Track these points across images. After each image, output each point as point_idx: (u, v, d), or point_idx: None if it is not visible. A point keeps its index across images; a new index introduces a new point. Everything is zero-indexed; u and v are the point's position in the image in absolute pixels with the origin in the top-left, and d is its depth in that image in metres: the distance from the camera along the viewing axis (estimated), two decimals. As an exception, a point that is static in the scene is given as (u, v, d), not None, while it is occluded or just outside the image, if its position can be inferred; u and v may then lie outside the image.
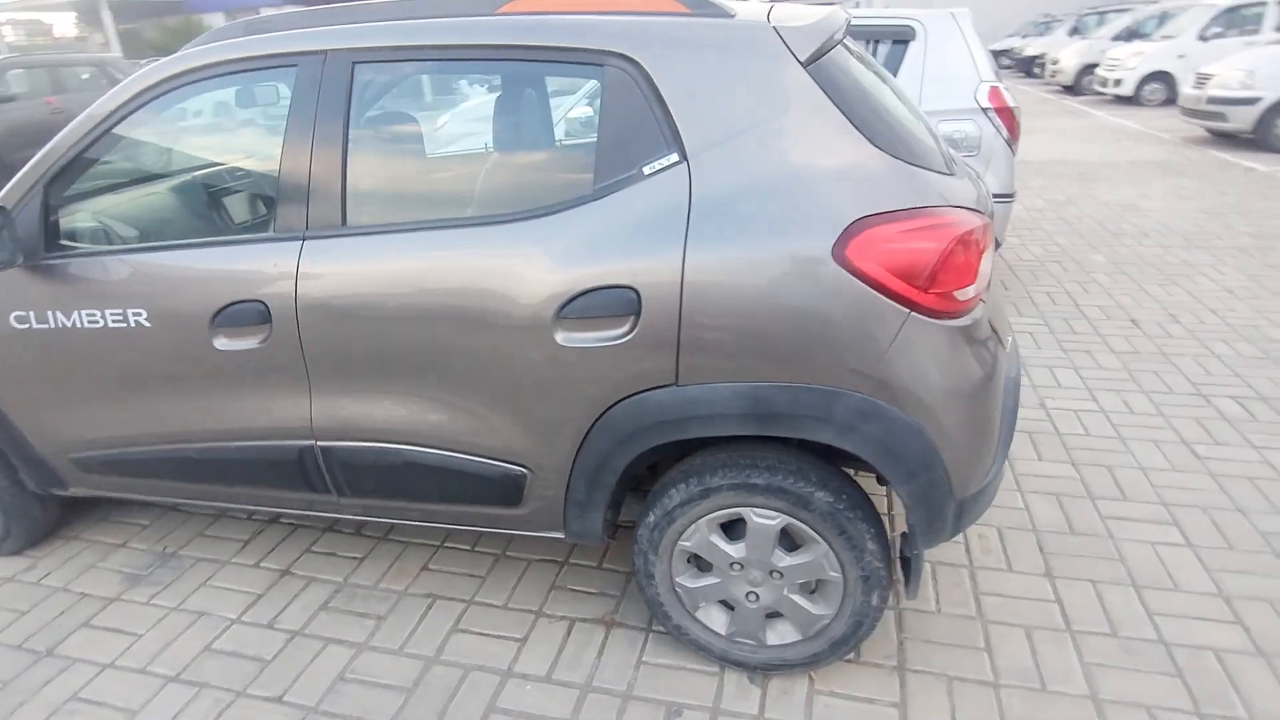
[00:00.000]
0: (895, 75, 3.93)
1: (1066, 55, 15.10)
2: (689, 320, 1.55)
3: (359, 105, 1.76)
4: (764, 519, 1.70)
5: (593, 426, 1.69)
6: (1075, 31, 17.67)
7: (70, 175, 1.99)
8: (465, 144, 1.82)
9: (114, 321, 1.95)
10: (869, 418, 1.53)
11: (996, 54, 22.45)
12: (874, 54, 4.00)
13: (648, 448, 1.67)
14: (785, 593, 1.78)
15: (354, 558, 2.44)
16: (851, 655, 1.94)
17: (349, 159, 1.75)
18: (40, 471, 2.31)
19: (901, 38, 3.93)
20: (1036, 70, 18.68)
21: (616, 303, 1.57)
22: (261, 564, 2.44)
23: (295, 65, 1.78)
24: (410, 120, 1.87)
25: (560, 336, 1.62)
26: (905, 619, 2.06)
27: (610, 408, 1.66)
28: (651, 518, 1.78)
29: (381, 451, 1.89)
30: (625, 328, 1.58)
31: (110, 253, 1.97)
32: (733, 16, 1.60)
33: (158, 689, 1.97)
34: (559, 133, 1.71)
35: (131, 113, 1.91)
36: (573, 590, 2.24)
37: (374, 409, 1.84)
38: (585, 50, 1.60)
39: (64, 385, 2.10)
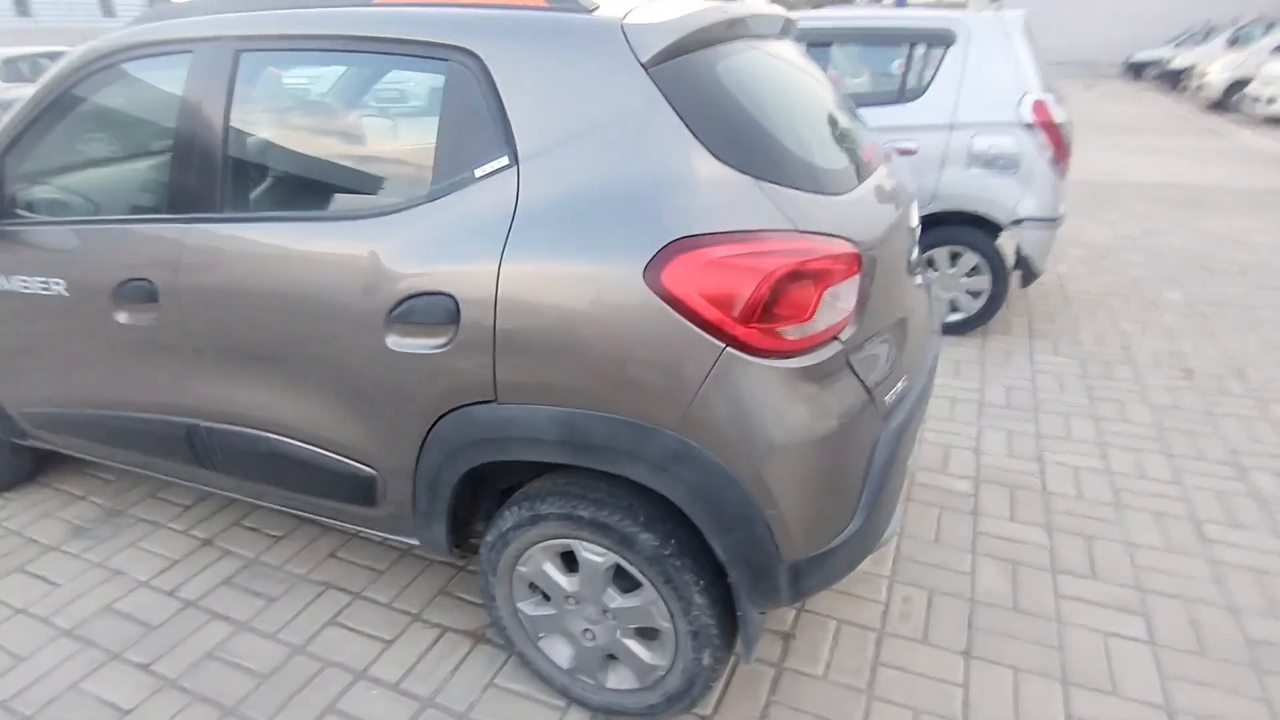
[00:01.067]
0: (930, 82, 3.62)
1: (1215, 69, 13.60)
2: (503, 335, 1.45)
3: (242, 92, 1.76)
4: (592, 554, 1.58)
5: (427, 436, 1.62)
6: (1235, 42, 15.87)
7: (20, 149, 2.11)
8: (335, 139, 1.80)
9: (40, 289, 2.06)
10: (680, 459, 1.38)
11: (1139, 66, 20.55)
12: (909, 58, 3.69)
13: (476, 464, 1.59)
14: (618, 635, 1.65)
15: (274, 536, 2.49)
16: (706, 712, 1.79)
17: (228, 144, 1.75)
18: (4, 421, 2.48)
19: (939, 41, 3.61)
20: (1185, 84, 16.93)
21: (437, 310, 1.49)
22: (190, 531, 2.53)
23: (191, 51, 1.80)
24: (289, 109, 1.86)
25: (390, 340, 1.56)
26: (783, 679, 1.87)
27: (440, 419, 1.59)
28: (489, 538, 1.70)
29: (251, 438, 1.90)
30: (445, 337, 1.50)
31: (41, 224, 2.07)
32: (590, 11, 1.48)
33: (48, 640, 2.07)
34: (410, 130, 1.64)
35: (61, 94, 2.00)
36: (459, 598, 2.19)
37: (244, 395, 1.85)
38: (431, 44, 1.52)
39: (10, 345, 2.24)
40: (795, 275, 1.32)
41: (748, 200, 1.36)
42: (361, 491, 1.80)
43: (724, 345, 1.32)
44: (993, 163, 3.54)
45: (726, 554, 1.43)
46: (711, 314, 1.31)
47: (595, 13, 1.48)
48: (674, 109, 1.39)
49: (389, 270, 1.53)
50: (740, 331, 1.31)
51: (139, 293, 1.88)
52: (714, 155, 1.38)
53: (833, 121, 1.78)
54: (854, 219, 1.51)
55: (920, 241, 3.76)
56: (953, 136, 3.57)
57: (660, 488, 1.42)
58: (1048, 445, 2.88)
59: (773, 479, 1.36)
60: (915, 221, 1.90)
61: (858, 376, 1.48)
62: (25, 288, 2.09)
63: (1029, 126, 3.47)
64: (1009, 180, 3.54)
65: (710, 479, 1.37)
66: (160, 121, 1.88)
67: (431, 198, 1.52)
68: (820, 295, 1.35)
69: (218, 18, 1.78)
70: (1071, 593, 2.13)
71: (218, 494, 2.69)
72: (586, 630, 1.69)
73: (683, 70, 1.43)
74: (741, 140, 1.42)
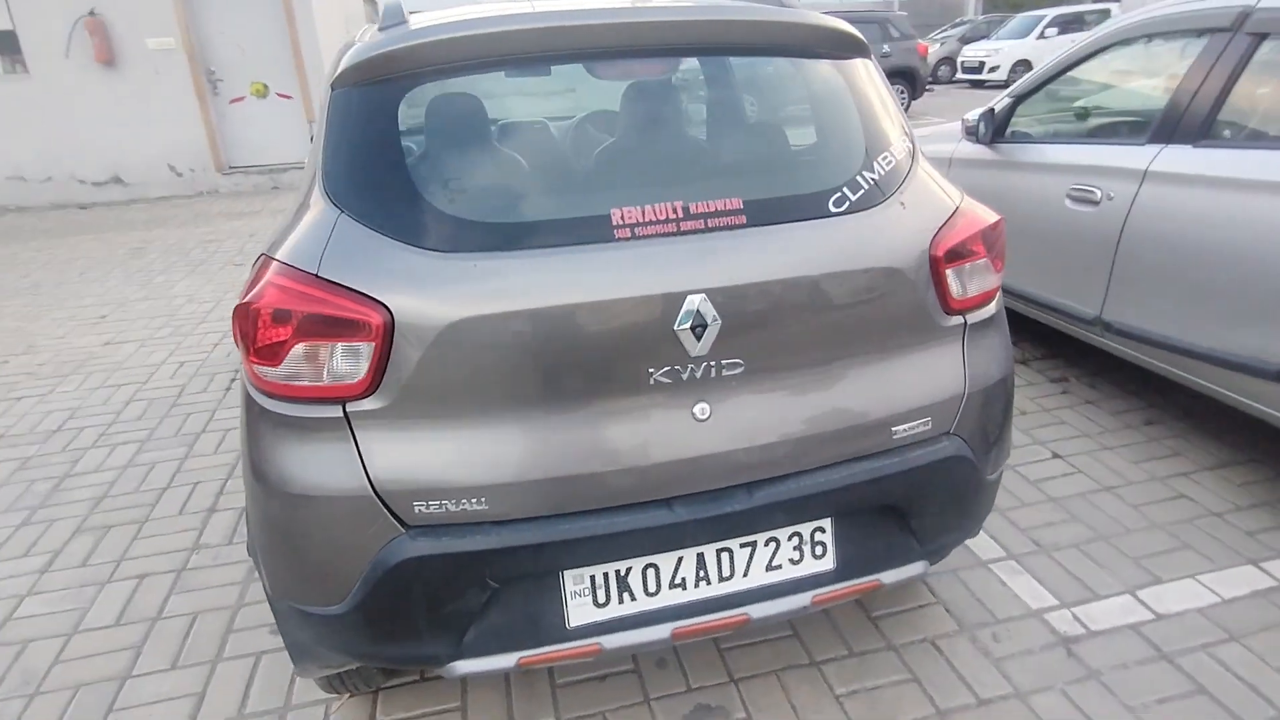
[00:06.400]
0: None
1: None
2: None
3: None
4: None
5: None
6: None
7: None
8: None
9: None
10: None
11: None
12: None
13: None
14: None
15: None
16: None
17: None
18: None
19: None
20: None
21: None
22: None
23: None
24: None
25: None
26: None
27: None
28: None
29: None
30: None
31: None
32: (400, 25, 1.48)
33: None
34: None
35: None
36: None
37: None
38: None
39: None
40: (269, 317, 1.24)
41: (312, 238, 1.31)
42: None
43: (239, 363, 1.37)
44: None
45: None
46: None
47: (387, 29, 1.48)
48: (326, 135, 1.38)
49: None
50: (248, 356, 1.32)
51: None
52: (324, 187, 1.35)
53: (577, 172, 1.38)
54: (474, 284, 1.25)
55: None
56: None
57: None
58: None
59: (248, 505, 1.36)
60: (703, 314, 1.29)
61: (360, 458, 1.26)
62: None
63: None
64: None
65: None
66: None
67: None
68: (290, 346, 1.23)
69: None
70: None
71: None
72: None
73: (355, 96, 1.38)
74: (357, 179, 1.34)
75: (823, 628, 2.03)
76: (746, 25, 1.47)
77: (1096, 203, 2.82)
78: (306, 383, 1.26)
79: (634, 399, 1.31)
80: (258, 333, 1.26)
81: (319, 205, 1.35)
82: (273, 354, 1.26)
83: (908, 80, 13.23)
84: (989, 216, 1.53)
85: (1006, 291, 3.41)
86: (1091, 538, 2.33)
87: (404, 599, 1.31)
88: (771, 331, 1.33)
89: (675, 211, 1.32)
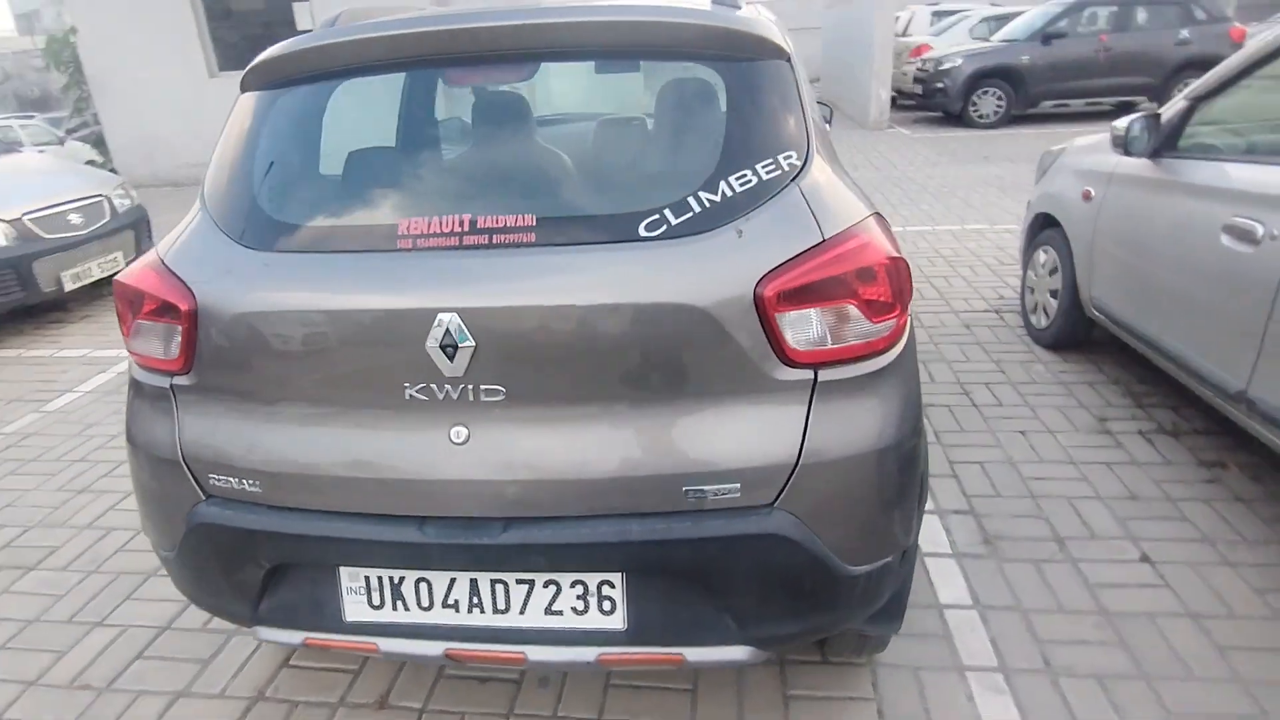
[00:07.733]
0: None
1: None
2: None
3: None
4: None
5: None
6: None
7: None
8: None
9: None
10: None
11: None
12: None
13: None
14: None
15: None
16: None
17: None
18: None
19: None
20: None
21: None
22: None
23: None
24: None
25: None
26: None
27: None
28: None
29: None
30: None
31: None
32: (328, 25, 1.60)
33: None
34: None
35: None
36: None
37: None
38: None
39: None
40: (122, 292, 1.42)
41: (178, 230, 1.48)
42: None
43: None
44: None
45: None
46: None
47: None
48: (238, 137, 1.50)
49: None
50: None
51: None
52: (203, 187, 1.50)
53: (385, 180, 1.37)
54: (262, 280, 1.33)
55: None
56: None
57: None
58: None
59: None
60: (452, 334, 1.22)
61: (177, 427, 1.39)
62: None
63: None
64: None
65: None
66: None
67: None
68: (131, 321, 1.40)
69: None
70: None
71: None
72: None
73: (261, 99, 1.49)
74: (214, 177, 1.47)
75: (726, 691, 1.83)
76: (625, 27, 1.35)
77: (1257, 241, 2.14)
78: (146, 354, 1.44)
79: (392, 412, 1.29)
80: (117, 304, 1.46)
81: (196, 202, 1.51)
82: (126, 325, 1.45)
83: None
84: (873, 255, 1.25)
85: (1149, 345, 2.72)
86: (1129, 674, 1.82)
87: (204, 558, 1.45)
88: (538, 362, 1.23)
89: (461, 225, 1.26)
